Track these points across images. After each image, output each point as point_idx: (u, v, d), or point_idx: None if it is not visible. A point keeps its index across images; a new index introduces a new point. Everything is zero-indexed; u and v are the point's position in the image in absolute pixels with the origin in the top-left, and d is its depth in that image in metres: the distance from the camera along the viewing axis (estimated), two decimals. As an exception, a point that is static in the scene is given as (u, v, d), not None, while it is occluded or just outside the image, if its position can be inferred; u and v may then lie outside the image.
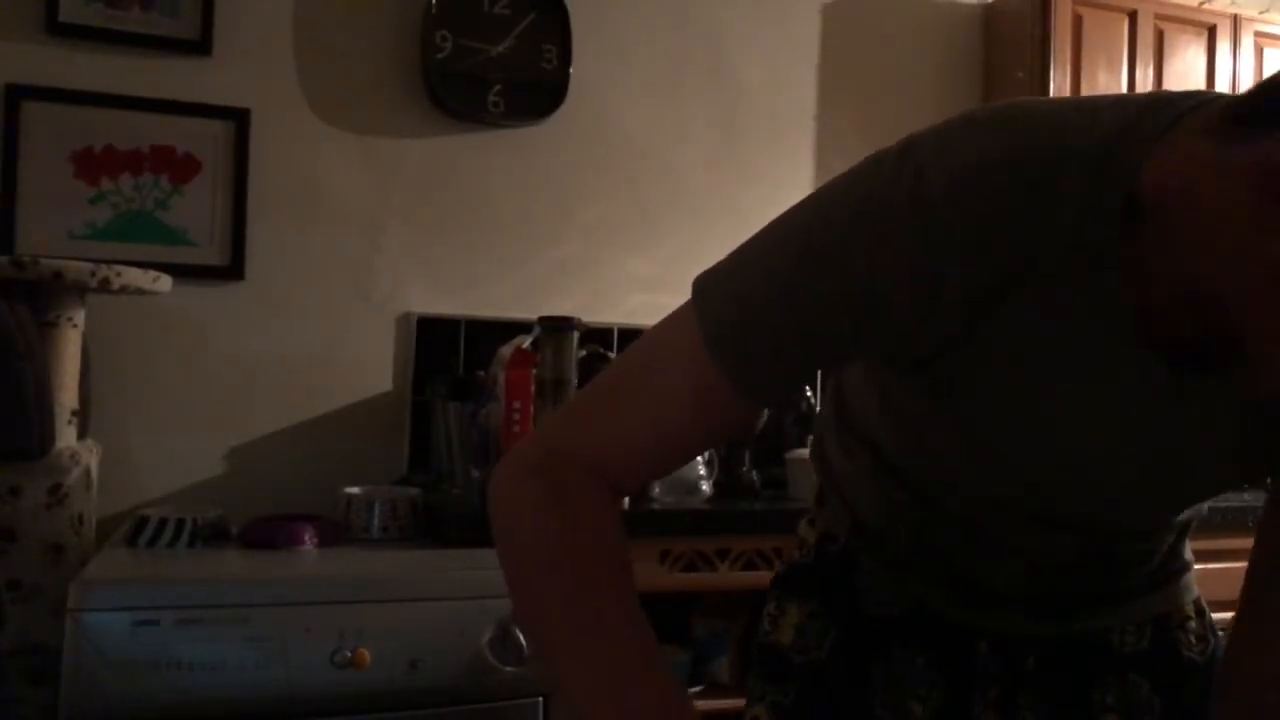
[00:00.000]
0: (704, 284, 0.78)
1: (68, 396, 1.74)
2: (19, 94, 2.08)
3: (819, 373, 0.77)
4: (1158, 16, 2.67)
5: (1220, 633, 0.94)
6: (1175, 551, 0.93)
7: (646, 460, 0.79)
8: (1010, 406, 0.74)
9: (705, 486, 1.98)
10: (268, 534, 1.77)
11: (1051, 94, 2.56)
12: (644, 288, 2.49)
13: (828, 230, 0.69)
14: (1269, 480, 0.83)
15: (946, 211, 0.65)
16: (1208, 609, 0.96)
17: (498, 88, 2.36)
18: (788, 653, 0.96)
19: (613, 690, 0.71)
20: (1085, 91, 2.59)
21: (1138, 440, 0.75)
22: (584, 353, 2.00)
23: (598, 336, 2.26)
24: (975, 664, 0.91)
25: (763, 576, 1.90)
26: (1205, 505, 0.89)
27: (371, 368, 2.30)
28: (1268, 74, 2.57)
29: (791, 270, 0.70)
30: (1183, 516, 0.89)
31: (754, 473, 2.11)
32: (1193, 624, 0.94)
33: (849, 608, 0.94)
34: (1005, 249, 0.66)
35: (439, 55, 2.31)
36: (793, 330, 0.71)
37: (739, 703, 1.96)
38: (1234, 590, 0.87)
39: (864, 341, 0.72)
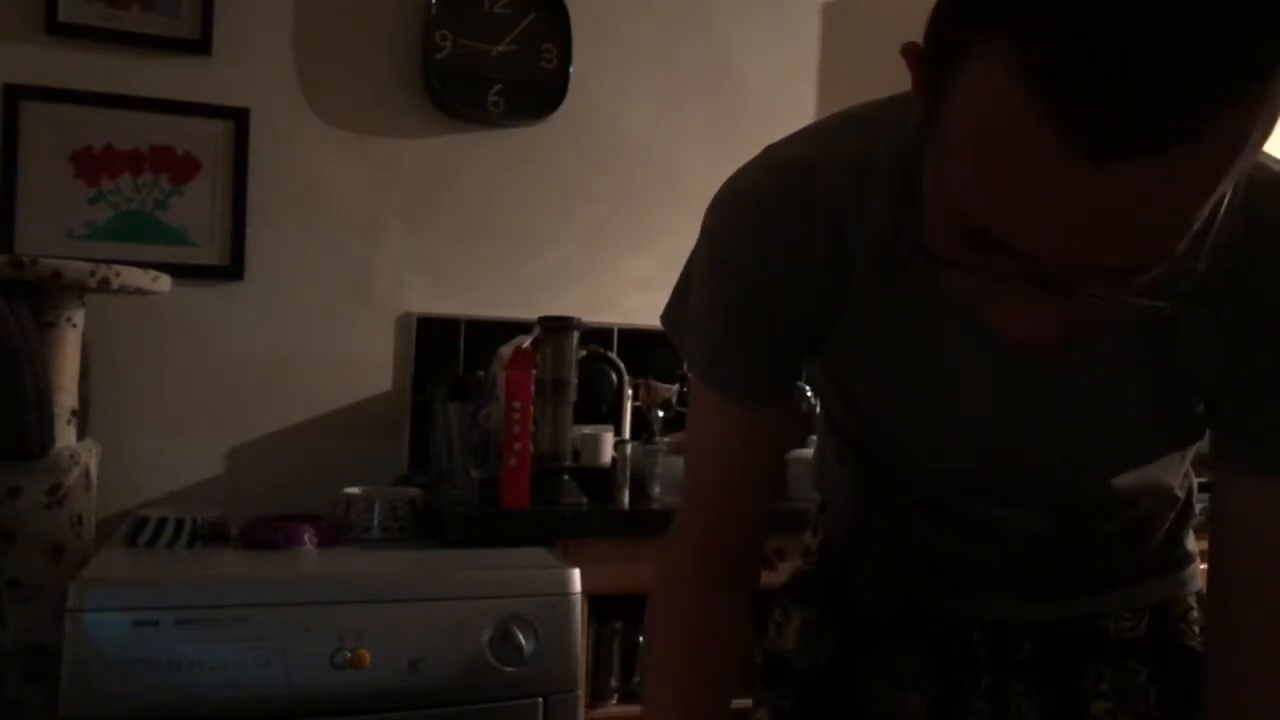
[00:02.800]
0: (669, 325, 0.88)
1: (67, 396, 1.74)
2: (18, 94, 2.07)
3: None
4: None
5: None
6: (1174, 540, 0.93)
7: (741, 512, 0.88)
8: (880, 383, 0.80)
9: (705, 486, 1.98)
10: (267, 534, 1.77)
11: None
12: (644, 288, 2.49)
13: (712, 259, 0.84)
14: (1210, 450, 0.79)
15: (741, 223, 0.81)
16: None
17: (498, 87, 2.36)
18: (790, 657, 0.97)
19: None
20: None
21: (1008, 402, 0.76)
22: (584, 353, 2.00)
23: (598, 336, 2.27)
24: (968, 653, 0.92)
25: (762, 577, 1.90)
26: (1167, 480, 0.87)
27: (371, 368, 2.30)
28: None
29: (711, 302, 0.81)
30: (1122, 483, 0.83)
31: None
32: (1195, 614, 0.93)
33: (847, 609, 0.96)
34: (828, 242, 0.74)
35: (439, 55, 2.31)
36: (737, 340, 0.80)
37: (738, 704, 1.96)
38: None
39: (781, 339, 0.80)
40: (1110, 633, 0.92)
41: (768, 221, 0.77)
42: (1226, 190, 0.52)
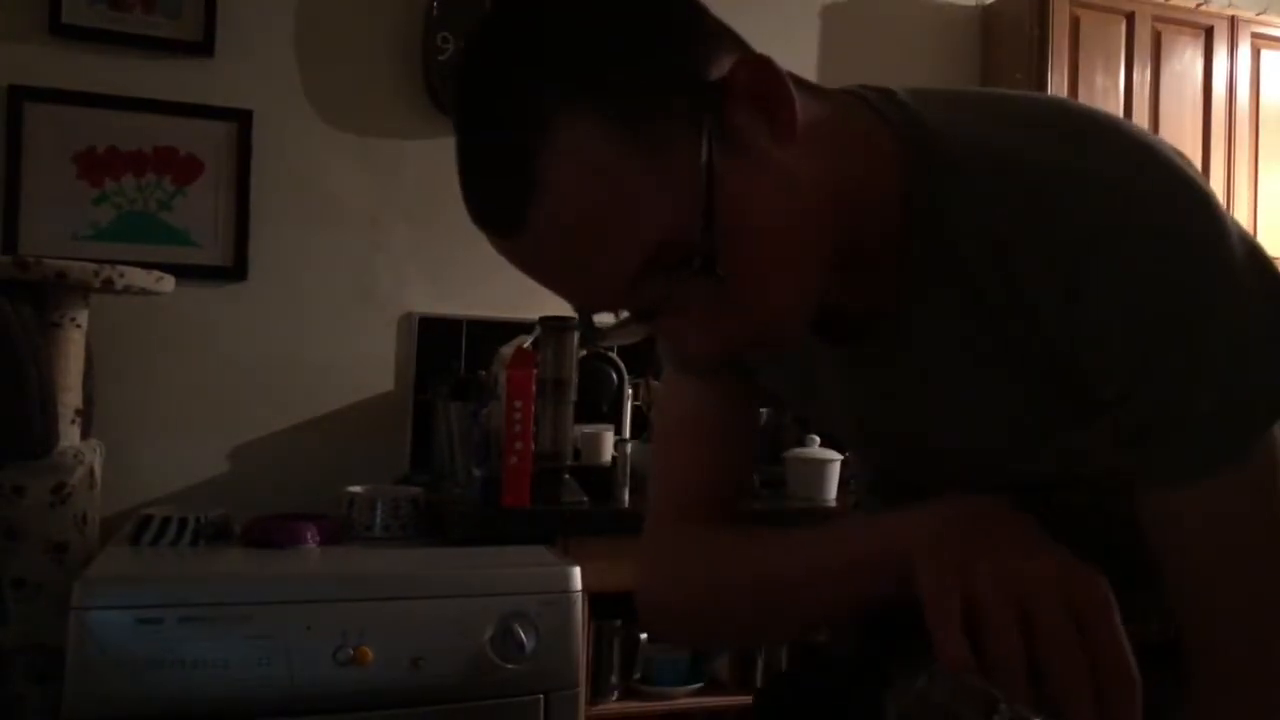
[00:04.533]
0: None
1: (71, 396, 1.75)
2: (22, 95, 2.08)
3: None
4: (1155, 18, 2.68)
5: None
6: None
7: (714, 490, 0.89)
8: (795, 400, 0.86)
9: (705, 486, 1.98)
10: (270, 533, 1.77)
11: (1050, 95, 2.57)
12: (644, 288, 2.49)
13: None
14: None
15: None
16: None
17: (498, 89, 2.36)
18: (819, 651, 0.98)
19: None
20: (1083, 93, 2.60)
21: (855, 400, 0.79)
22: (584, 353, 2.01)
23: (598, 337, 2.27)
24: None
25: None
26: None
27: (373, 367, 2.31)
28: (1265, 76, 2.56)
29: None
30: (1040, 468, 0.78)
31: (753, 472, 2.11)
32: None
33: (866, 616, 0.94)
34: None
35: (440, 56, 2.32)
36: None
37: (739, 700, 1.97)
38: None
39: None
40: (1133, 638, 0.86)
41: None
42: (666, 208, 0.58)
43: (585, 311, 0.66)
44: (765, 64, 0.61)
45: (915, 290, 0.69)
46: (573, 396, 1.89)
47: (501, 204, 0.62)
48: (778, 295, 0.64)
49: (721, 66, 0.61)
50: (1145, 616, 0.83)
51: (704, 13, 0.63)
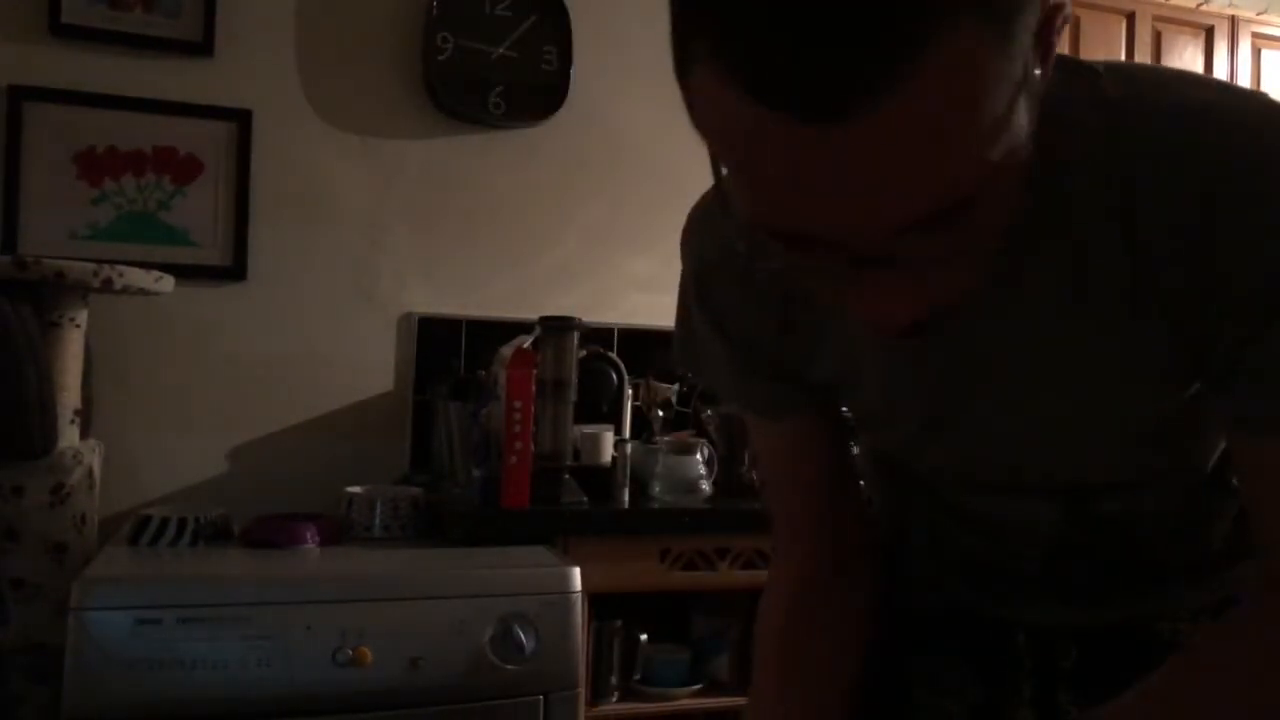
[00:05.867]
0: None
1: (70, 396, 1.75)
2: (22, 95, 2.08)
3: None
4: (1155, 18, 2.68)
5: None
6: (1239, 537, 0.82)
7: (820, 514, 0.90)
8: (840, 380, 0.80)
9: (705, 486, 1.99)
10: (270, 533, 1.77)
11: (1050, 95, 2.57)
12: (644, 288, 2.49)
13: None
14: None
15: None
16: None
17: (499, 89, 2.37)
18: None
19: None
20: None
21: (906, 384, 0.74)
22: (584, 353, 2.01)
23: (598, 336, 2.27)
24: (1014, 660, 0.86)
25: (762, 575, 1.91)
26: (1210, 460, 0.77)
27: (373, 367, 2.31)
28: (1265, 75, 2.58)
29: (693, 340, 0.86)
30: (1106, 459, 0.75)
31: (753, 472, 2.11)
32: None
33: (893, 606, 0.92)
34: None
35: (440, 57, 2.32)
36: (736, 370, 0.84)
37: (739, 701, 1.97)
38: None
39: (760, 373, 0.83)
40: (1166, 637, 0.83)
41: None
42: (998, 136, 0.50)
43: (817, 236, 0.54)
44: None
45: (1027, 247, 0.63)
46: (572, 397, 1.88)
47: (852, 76, 0.46)
48: (977, 269, 0.59)
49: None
50: (1176, 618, 0.84)
51: None
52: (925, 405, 0.75)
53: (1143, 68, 0.71)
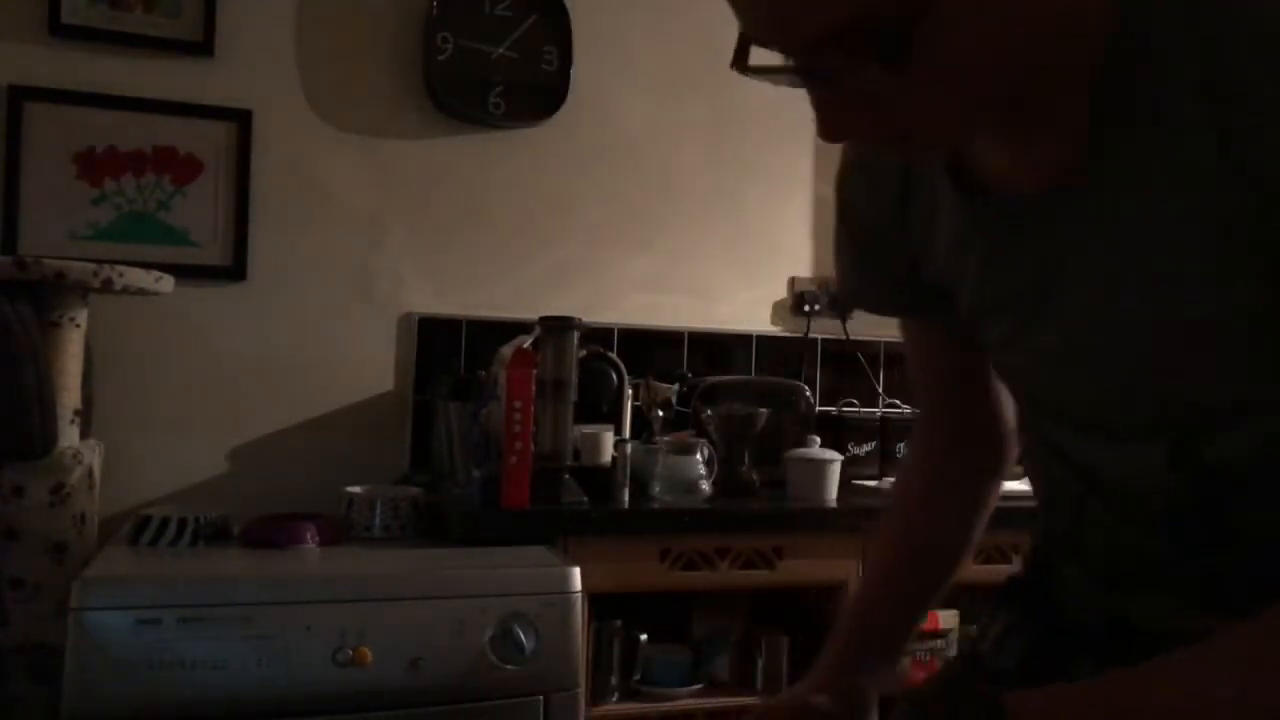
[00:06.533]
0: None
1: (70, 396, 1.75)
2: (22, 95, 2.08)
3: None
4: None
5: None
6: None
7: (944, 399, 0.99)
8: (948, 276, 0.82)
9: (705, 486, 1.99)
10: (270, 533, 1.77)
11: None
12: (644, 288, 2.49)
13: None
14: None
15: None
16: None
17: (499, 89, 2.37)
18: (983, 659, 0.91)
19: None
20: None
21: (1008, 272, 0.73)
22: (584, 352, 2.01)
23: (598, 336, 2.27)
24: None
25: (762, 576, 1.91)
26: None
27: (373, 367, 2.31)
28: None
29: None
30: (1218, 382, 0.67)
31: (753, 472, 2.11)
32: None
33: (1047, 615, 0.88)
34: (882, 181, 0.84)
35: (440, 57, 2.32)
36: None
37: (739, 700, 1.98)
38: None
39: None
40: None
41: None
42: None
43: (758, 42, 0.61)
44: None
45: (1109, 120, 0.62)
46: (572, 396, 1.89)
47: None
48: (949, 112, 0.61)
49: None
50: None
51: None
52: (1016, 301, 0.73)
53: None
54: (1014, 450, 0.97)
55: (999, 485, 0.99)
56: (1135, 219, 0.63)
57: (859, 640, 0.98)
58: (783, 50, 0.59)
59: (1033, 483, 0.91)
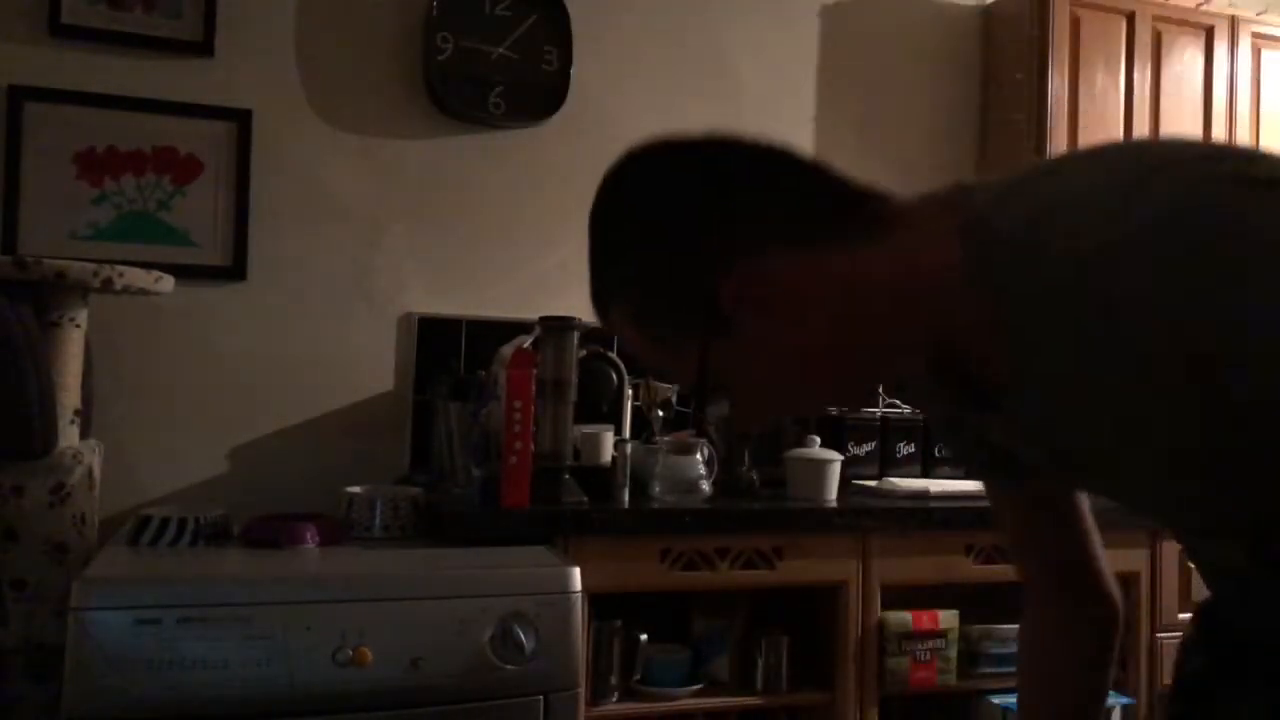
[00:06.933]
0: None
1: (70, 396, 1.75)
2: (22, 95, 2.08)
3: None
4: (1155, 18, 2.68)
5: None
6: None
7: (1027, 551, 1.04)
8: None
9: (705, 486, 1.99)
10: (269, 533, 1.77)
11: (1050, 95, 2.57)
12: (644, 288, 2.49)
13: None
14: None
15: None
16: None
17: (499, 89, 2.37)
18: (1181, 676, 0.94)
19: None
20: (1083, 93, 2.60)
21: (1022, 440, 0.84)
22: (584, 352, 2.01)
23: (598, 336, 2.27)
24: None
25: (762, 576, 1.91)
26: None
27: (373, 367, 2.31)
28: (1265, 75, 2.58)
29: None
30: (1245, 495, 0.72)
31: (753, 472, 2.11)
32: None
33: (1224, 633, 0.89)
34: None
35: (440, 57, 2.32)
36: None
37: (738, 701, 1.97)
38: None
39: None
40: None
41: None
42: (671, 355, 0.83)
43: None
44: (756, 277, 0.76)
45: (1024, 359, 0.72)
46: (573, 396, 1.88)
47: (596, 309, 0.92)
48: (777, 409, 0.92)
49: (728, 281, 0.77)
50: None
51: (717, 233, 0.78)
52: (1049, 461, 0.84)
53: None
54: (1118, 632, 1.00)
55: (1107, 674, 1.01)
56: (1076, 393, 0.71)
57: None
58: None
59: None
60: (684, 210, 0.81)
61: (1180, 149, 0.70)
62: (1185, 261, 0.61)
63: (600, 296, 0.89)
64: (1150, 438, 0.69)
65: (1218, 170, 0.65)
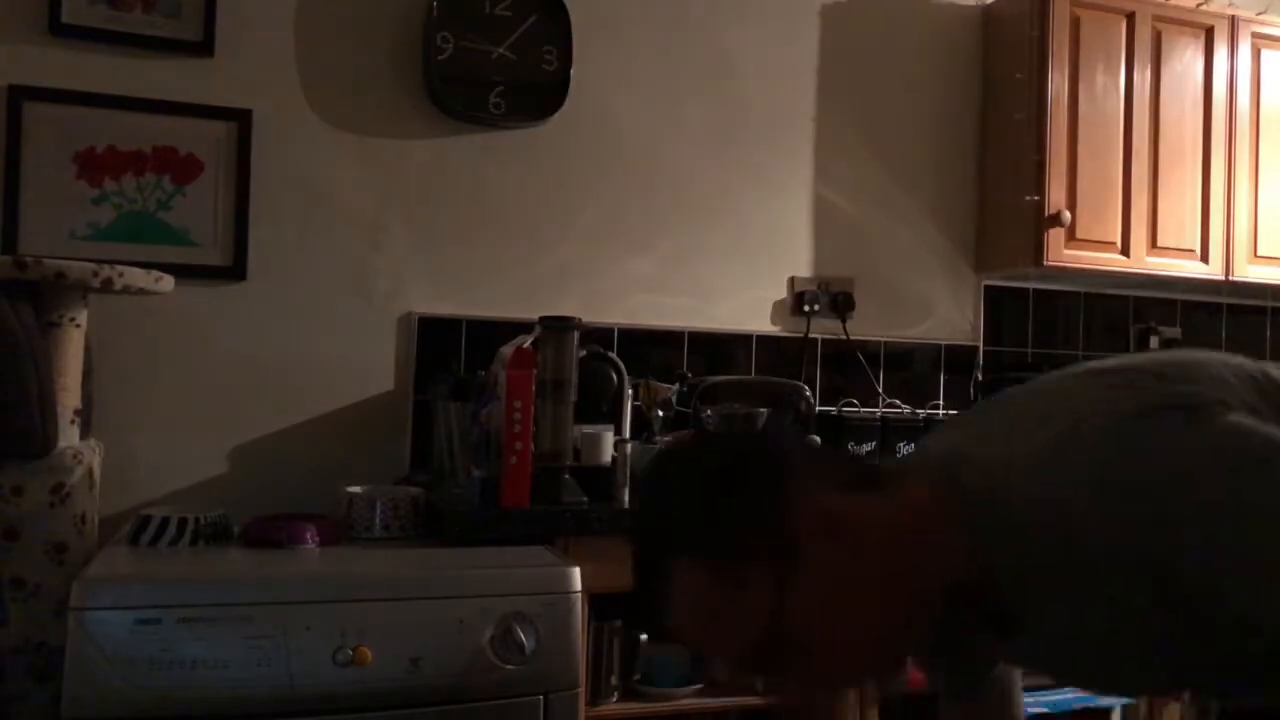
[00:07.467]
0: None
1: (70, 396, 1.75)
2: (22, 95, 2.08)
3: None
4: (1155, 18, 2.68)
5: None
6: None
7: None
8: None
9: (705, 486, 1.98)
10: (270, 533, 1.77)
11: (1050, 95, 2.57)
12: (644, 288, 2.49)
13: None
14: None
15: None
16: None
17: (499, 89, 2.37)
18: None
19: None
20: (1083, 93, 2.60)
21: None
22: (584, 352, 2.01)
23: (598, 336, 2.27)
24: None
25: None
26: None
27: (373, 367, 2.31)
28: (1265, 75, 2.59)
29: None
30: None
31: None
32: None
33: None
34: None
35: (440, 57, 2.32)
36: None
37: (739, 700, 1.97)
38: None
39: None
40: None
41: None
42: (740, 621, 0.84)
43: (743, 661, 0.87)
44: (820, 510, 0.83)
45: (1035, 603, 0.85)
46: (573, 396, 1.88)
47: (647, 597, 0.89)
48: (848, 672, 0.92)
49: (795, 518, 0.83)
50: None
51: (788, 474, 0.86)
52: (1079, 681, 1.01)
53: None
54: None
55: None
56: (1077, 643, 0.88)
57: None
58: (728, 662, 0.88)
59: None
60: (750, 471, 0.88)
61: (1087, 394, 0.86)
62: (1123, 511, 0.77)
63: (663, 551, 0.87)
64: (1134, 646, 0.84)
65: (1121, 409, 0.81)
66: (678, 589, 0.84)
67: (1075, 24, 2.60)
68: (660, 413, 2.17)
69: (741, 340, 2.56)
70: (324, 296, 2.28)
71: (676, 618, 0.85)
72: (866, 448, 2.43)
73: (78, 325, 1.77)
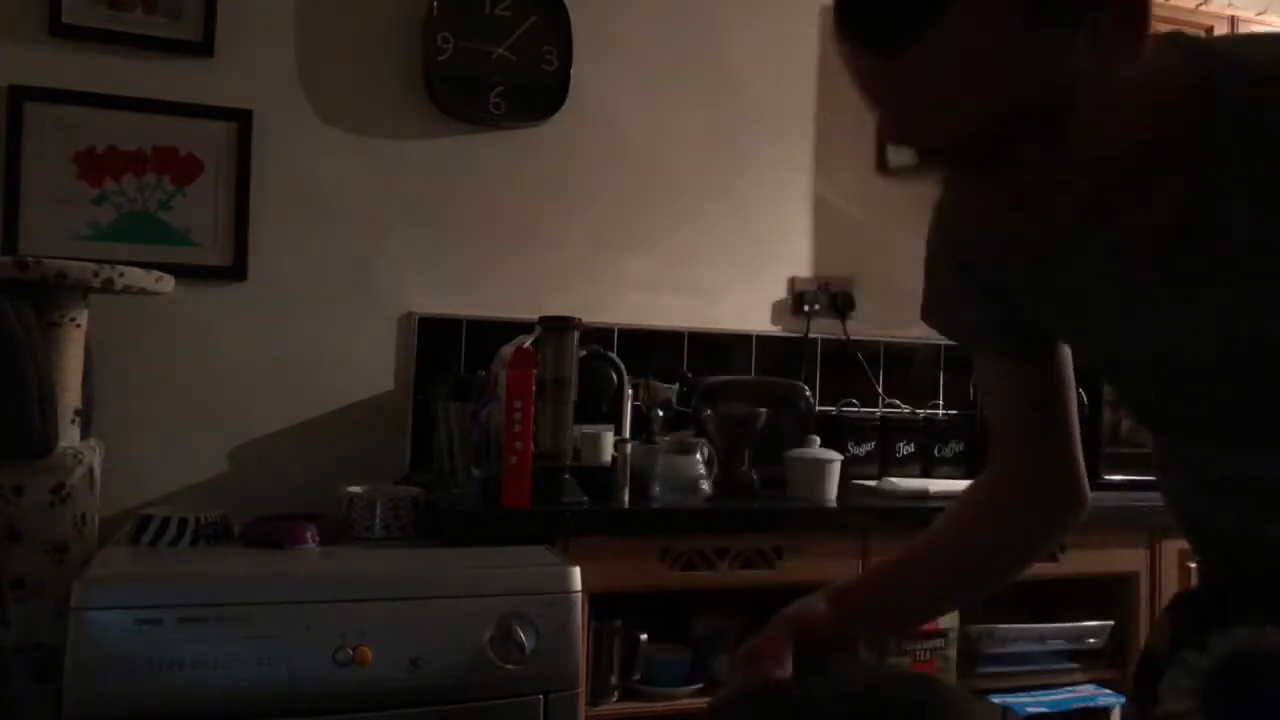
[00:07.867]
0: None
1: (71, 396, 1.75)
2: (22, 95, 2.09)
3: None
4: (1155, 18, 2.65)
5: None
6: None
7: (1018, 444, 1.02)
8: (1064, 329, 0.92)
9: (705, 485, 1.99)
10: (270, 533, 1.77)
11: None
12: (644, 288, 2.49)
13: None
14: None
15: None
16: None
17: (499, 89, 2.37)
18: (1158, 662, 0.90)
19: None
20: (1084, 92, 2.60)
21: (1127, 304, 0.81)
22: (584, 352, 2.01)
23: (598, 336, 2.27)
24: None
25: (762, 575, 1.92)
26: None
27: (373, 367, 2.31)
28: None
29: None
30: None
31: (753, 472, 2.11)
32: None
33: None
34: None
35: (440, 57, 2.32)
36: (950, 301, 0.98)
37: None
38: None
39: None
40: None
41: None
42: (1019, 73, 0.64)
43: (899, 144, 0.71)
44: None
45: (1232, 182, 0.72)
46: (573, 396, 1.89)
47: (900, 23, 0.64)
48: (1086, 182, 0.72)
49: None
50: None
51: None
52: (1151, 336, 0.81)
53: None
54: (1075, 522, 1.02)
55: (1056, 536, 1.04)
56: (1241, 243, 0.73)
57: (876, 592, 1.04)
58: (942, 143, 0.68)
59: (1182, 513, 0.92)
60: None
61: None
62: None
63: None
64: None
65: None
66: (975, 5, 0.63)
67: (1075, 24, 2.60)
68: (660, 413, 2.17)
69: (741, 340, 2.56)
70: (324, 296, 2.28)
71: (947, 44, 0.63)
72: (866, 448, 2.43)
73: (78, 325, 1.77)
